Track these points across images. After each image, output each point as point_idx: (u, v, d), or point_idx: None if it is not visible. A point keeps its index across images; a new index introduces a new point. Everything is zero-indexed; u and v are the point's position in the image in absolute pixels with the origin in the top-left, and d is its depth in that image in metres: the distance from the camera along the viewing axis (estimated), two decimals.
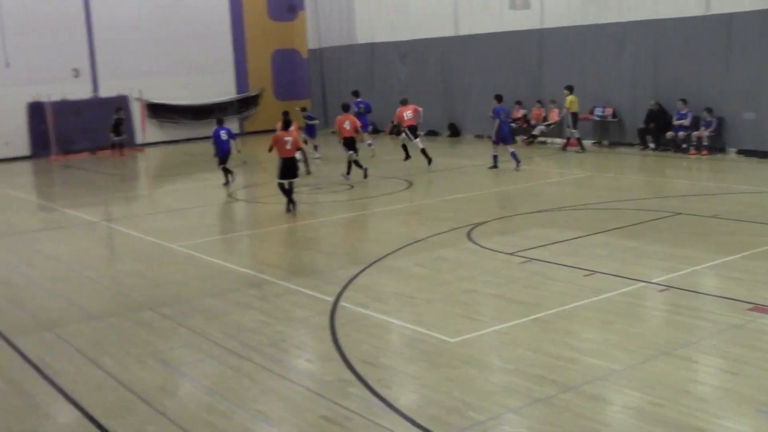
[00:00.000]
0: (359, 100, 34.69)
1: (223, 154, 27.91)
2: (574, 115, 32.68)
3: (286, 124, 22.39)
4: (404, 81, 42.01)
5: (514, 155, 28.12)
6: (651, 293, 13.38)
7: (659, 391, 9.36)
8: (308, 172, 28.10)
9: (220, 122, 28.98)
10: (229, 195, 25.82)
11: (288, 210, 21.93)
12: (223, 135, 27.67)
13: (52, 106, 40.26)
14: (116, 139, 39.75)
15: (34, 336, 12.94)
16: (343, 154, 27.68)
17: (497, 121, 28.20)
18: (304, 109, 34.38)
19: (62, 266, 17.85)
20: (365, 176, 27.30)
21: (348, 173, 27.43)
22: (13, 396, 10.48)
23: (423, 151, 29.39)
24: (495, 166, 28.33)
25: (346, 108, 28.51)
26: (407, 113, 30.03)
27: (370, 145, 32.19)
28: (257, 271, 16.30)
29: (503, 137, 28.42)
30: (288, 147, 21.89)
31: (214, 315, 13.37)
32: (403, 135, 30.54)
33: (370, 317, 12.79)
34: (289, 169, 22.02)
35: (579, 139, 32.97)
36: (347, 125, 27.60)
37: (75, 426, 9.55)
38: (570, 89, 32.75)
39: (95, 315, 13.87)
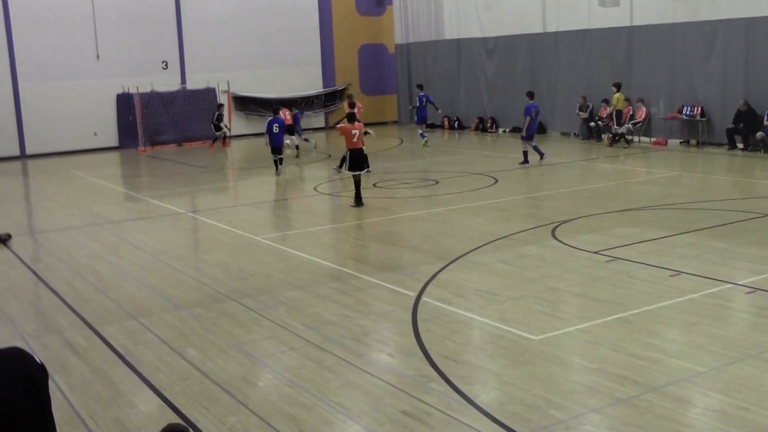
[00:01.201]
0: (422, 93, 37.54)
1: (275, 146, 29.10)
2: (619, 113, 33.56)
3: (351, 117, 22.83)
4: (491, 77, 41.88)
5: (536, 148, 29.20)
6: (738, 295, 13.17)
7: (744, 395, 9.22)
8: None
9: (275, 112, 30.51)
10: (314, 189, 25.91)
11: (358, 204, 22.38)
12: (275, 128, 28.50)
13: (140, 98, 40.80)
14: (218, 133, 40.20)
15: (119, 325, 13.11)
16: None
17: (528, 118, 28.91)
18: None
19: (148, 256, 18.07)
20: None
21: (341, 167, 28.06)
22: (97, 384, 10.62)
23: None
24: (526, 161, 29.05)
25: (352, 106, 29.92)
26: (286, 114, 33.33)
27: (423, 136, 36.46)
28: (340, 265, 16.37)
29: (531, 134, 29.21)
30: (354, 139, 22.39)
31: (296, 307, 13.44)
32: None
33: (452, 313, 12.77)
34: (357, 160, 22.53)
35: (621, 136, 33.75)
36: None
37: (157, 415, 9.64)
38: (618, 87, 33.62)
39: (180, 305, 14.03)
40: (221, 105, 41.02)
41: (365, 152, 23.18)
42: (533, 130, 29.25)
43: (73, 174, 32.99)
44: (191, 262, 17.72)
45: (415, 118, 37.97)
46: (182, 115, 41.56)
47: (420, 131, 36.79)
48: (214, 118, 40.34)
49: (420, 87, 38.92)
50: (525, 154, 28.98)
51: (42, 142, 39.99)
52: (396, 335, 12.01)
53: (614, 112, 33.93)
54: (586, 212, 20.23)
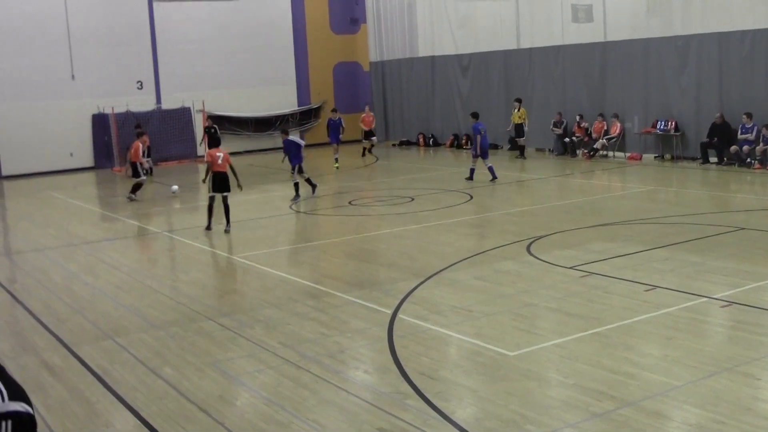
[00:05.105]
0: (336, 117, 37.53)
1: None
2: (519, 126, 36.33)
3: (217, 142, 23.44)
4: (465, 94, 41.98)
5: (491, 169, 28.90)
6: (713, 309, 13.22)
7: (721, 408, 9.25)
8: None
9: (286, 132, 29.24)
10: (290, 207, 25.87)
11: (208, 227, 22.37)
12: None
13: (115, 118, 40.74)
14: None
15: (96, 345, 13.07)
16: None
17: (479, 137, 28.95)
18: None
19: (124, 276, 18.03)
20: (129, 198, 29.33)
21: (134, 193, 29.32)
22: (74, 404, 10.58)
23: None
24: (471, 178, 29.16)
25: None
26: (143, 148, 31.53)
27: (336, 159, 36.60)
28: (316, 283, 16.34)
29: (483, 152, 29.16)
30: (219, 162, 22.24)
31: (273, 325, 13.43)
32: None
33: (428, 330, 12.77)
34: (219, 183, 22.29)
35: (522, 147, 36.40)
36: (138, 150, 29.52)
37: None
38: (519, 101, 36.27)
39: (156, 324, 13.99)
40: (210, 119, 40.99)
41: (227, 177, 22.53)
42: (484, 147, 29.22)
43: (49, 194, 32.90)
44: (167, 282, 17.69)
45: (330, 138, 37.63)
46: (158, 134, 41.42)
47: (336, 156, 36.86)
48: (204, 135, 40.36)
49: (334, 111, 39.01)
50: (472, 171, 29.27)
51: (18, 162, 39.89)
52: (372, 352, 12.02)
53: (514, 126, 36.51)
54: (562, 227, 20.28)
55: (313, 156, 42.08)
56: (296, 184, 26.87)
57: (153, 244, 21.90)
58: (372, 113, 41.78)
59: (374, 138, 40.17)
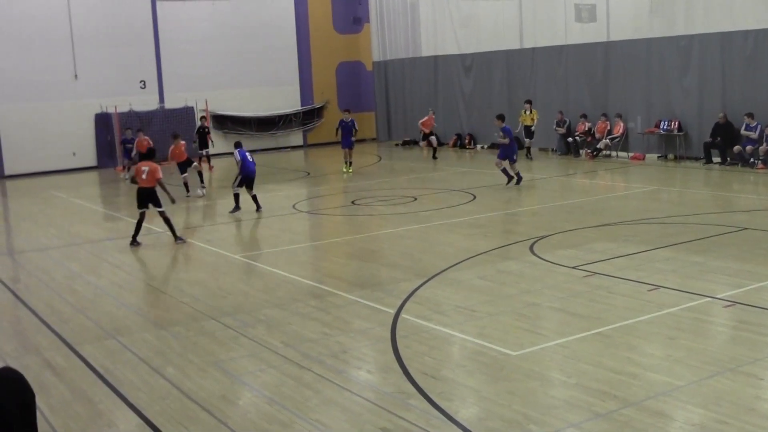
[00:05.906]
0: (348, 119, 35.03)
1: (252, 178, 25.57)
2: (528, 128, 36.11)
3: (148, 155, 21.77)
4: (468, 93, 41.97)
5: (505, 171, 27.86)
6: (716, 309, 13.21)
7: (724, 408, 9.24)
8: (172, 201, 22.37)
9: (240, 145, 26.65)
10: (293, 207, 25.85)
11: (132, 242, 21.14)
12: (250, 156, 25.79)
13: (118, 118, 40.74)
14: (203, 151, 38.82)
15: (99, 344, 13.07)
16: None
17: (508, 139, 28.00)
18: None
19: (127, 275, 18.04)
20: None
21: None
22: (76, 403, 10.58)
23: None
24: (519, 178, 28.03)
25: None
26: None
27: (350, 163, 34.45)
28: (318, 282, 16.34)
29: (513, 153, 28.17)
30: (144, 177, 20.82)
31: (275, 325, 13.42)
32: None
33: (431, 330, 12.76)
34: (143, 198, 21.02)
35: (528, 148, 36.44)
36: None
37: None
38: (530, 103, 36.07)
39: (158, 324, 14.00)
40: (203, 118, 40.26)
41: (155, 191, 21.07)
42: (514, 150, 28.33)
43: (52, 194, 32.91)
44: (170, 281, 17.71)
45: (342, 141, 34.73)
46: (161, 134, 41.28)
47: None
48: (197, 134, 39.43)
49: (347, 111, 36.44)
50: (517, 174, 28.08)
51: (21, 162, 39.96)
52: (375, 352, 12.01)
53: (523, 128, 36.08)
54: (565, 227, 20.26)
55: (317, 155, 42.34)
56: (236, 195, 25.40)
57: (156, 243, 21.87)
58: (434, 116, 40.67)
59: (432, 138, 38.94)
